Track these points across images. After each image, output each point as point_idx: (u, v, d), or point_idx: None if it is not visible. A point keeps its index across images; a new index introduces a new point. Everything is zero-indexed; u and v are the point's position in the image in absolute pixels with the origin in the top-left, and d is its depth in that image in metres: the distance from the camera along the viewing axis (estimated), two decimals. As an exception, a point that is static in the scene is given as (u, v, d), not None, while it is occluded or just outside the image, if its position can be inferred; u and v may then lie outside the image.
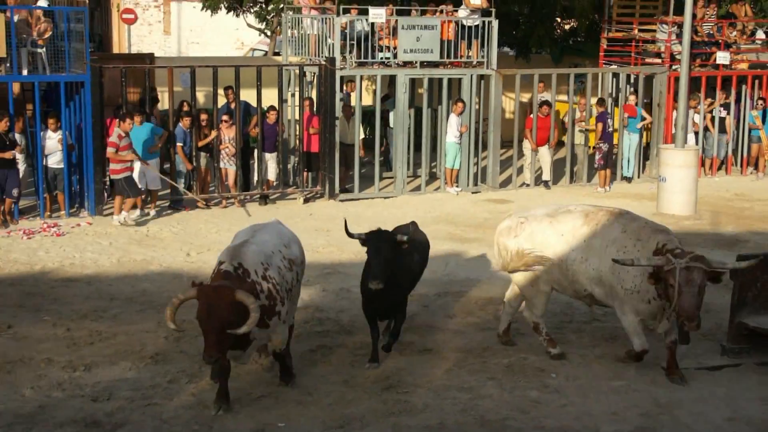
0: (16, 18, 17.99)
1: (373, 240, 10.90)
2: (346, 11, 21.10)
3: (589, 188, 22.45)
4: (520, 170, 22.92)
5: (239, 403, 10.16)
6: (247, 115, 20.44)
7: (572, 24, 31.00)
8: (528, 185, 22.41)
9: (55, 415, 9.85)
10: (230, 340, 9.18)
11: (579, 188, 22.53)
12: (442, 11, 21.99)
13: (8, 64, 17.99)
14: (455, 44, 21.43)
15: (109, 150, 17.76)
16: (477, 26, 21.50)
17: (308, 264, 15.15)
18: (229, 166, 19.76)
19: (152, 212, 18.72)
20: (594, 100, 23.13)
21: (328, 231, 17.93)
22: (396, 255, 10.85)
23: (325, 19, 21.01)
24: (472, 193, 21.68)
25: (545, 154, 22.31)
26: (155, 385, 10.50)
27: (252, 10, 30.51)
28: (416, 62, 21.26)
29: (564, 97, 24.16)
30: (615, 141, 22.44)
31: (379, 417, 9.97)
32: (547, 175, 22.36)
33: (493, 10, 21.58)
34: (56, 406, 10.08)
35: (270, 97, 20.46)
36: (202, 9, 31.02)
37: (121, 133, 17.69)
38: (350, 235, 11.21)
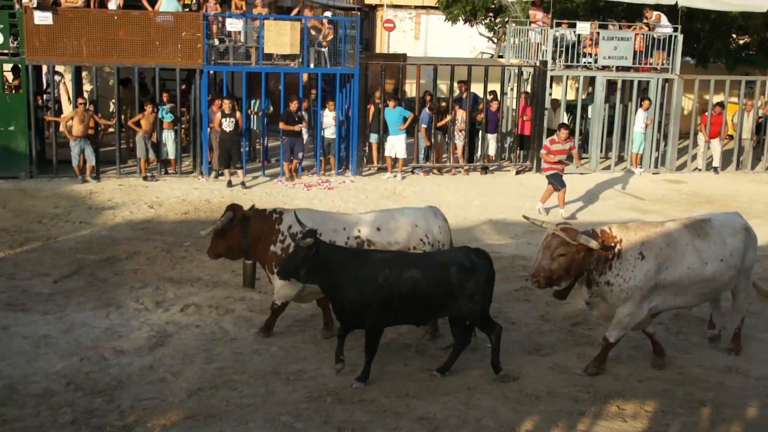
0: (308, 25, 18.56)
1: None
2: (559, 24, 20.67)
3: (753, 175, 21.19)
4: (693, 157, 21.94)
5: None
6: (474, 103, 20.36)
7: (746, 39, 29.24)
8: (700, 170, 21.37)
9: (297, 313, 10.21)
10: (232, 249, 9.50)
11: (743, 174, 21.27)
12: (637, 26, 21.19)
13: (300, 59, 18.58)
14: (646, 53, 20.65)
15: (542, 152, 16.56)
16: (664, 38, 20.65)
17: (516, 222, 15.16)
18: (458, 141, 19.79)
19: (399, 176, 18.96)
20: (760, 102, 21.85)
21: (533, 197, 17.64)
22: (307, 258, 8.30)
23: (542, 30, 20.68)
24: (653, 173, 20.85)
25: (716, 145, 21.22)
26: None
27: (483, 22, 30.36)
28: (613, 67, 20.62)
29: (735, 99, 22.86)
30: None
31: (567, 346, 9.83)
32: (717, 162, 21.24)
33: (679, 26, 20.67)
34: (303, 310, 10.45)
35: (493, 89, 20.31)
36: (445, 20, 31.06)
37: (555, 139, 16.02)
38: (300, 223, 8.97)
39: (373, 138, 19.59)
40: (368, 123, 19.41)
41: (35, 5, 16.88)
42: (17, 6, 17.11)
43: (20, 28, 17.09)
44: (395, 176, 18.97)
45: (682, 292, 9.01)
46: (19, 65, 17.46)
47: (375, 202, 16.69)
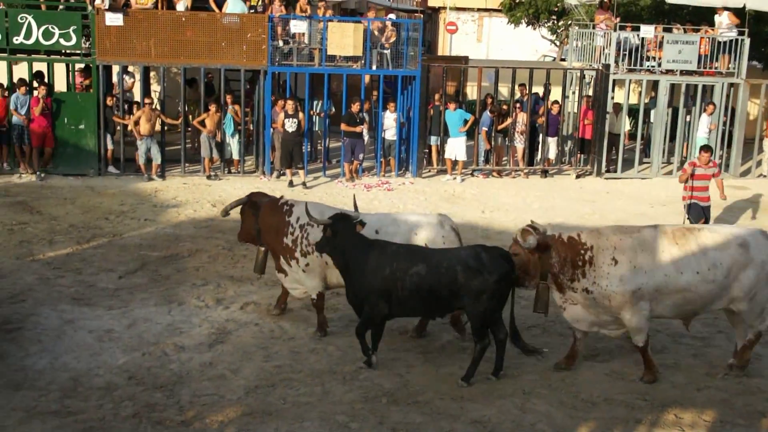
0: (371, 27, 18.59)
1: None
2: (622, 27, 20.37)
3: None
4: (758, 163, 21.36)
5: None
6: (535, 103, 20.17)
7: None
8: (765, 176, 20.84)
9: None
10: (249, 234, 10.05)
11: (810, 180, 20.72)
12: (700, 29, 20.77)
13: (362, 61, 18.62)
14: (711, 57, 20.22)
15: (681, 176, 14.56)
16: (730, 42, 20.18)
17: (575, 226, 14.91)
18: (519, 144, 19.64)
19: (459, 178, 18.89)
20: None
21: (593, 202, 17.48)
22: (330, 238, 8.81)
23: (605, 33, 20.41)
24: (716, 179, 20.43)
25: (783, 151, 20.75)
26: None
27: (546, 25, 30.08)
28: (677, 70, 20.24)
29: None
30: None
31: (624, 353, 9.65)
32: (782, 169, 20.75)
33: (746, 30, 20.19)
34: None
35: (555, 93, 20.11)
36: (508, 23, 30.90)
37: (695, 161, 14.22)
38: (356, 207, 9.38)
39: (433, 140, 19.54)
40: (428, 125, 19.37)
41: (107, 7, 17.22)
42: (89, 8, 17.47)
43: (92, 29, 17.46)
44: (455, 178, 18.90)
45: (661, 300, 8.68)
46: (90, 65, 17.84)
47: (434, 204, 16.64)
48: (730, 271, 8.65)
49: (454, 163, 19.08)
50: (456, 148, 18.91)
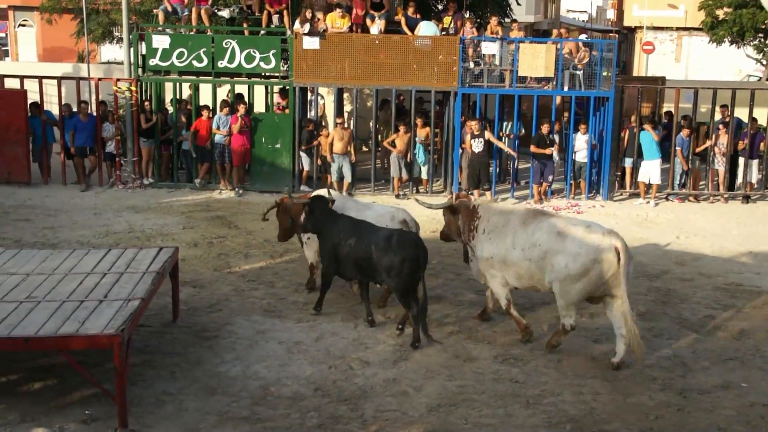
0: (564, 48, 18.38)
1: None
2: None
3: None
4: None
5: (710, 360, 9.65)
6: (738, 128, 19.21)
7: None
8: None
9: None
10: (285, 232, 11.93)
11: None
12: None
13: (554, 82, 18.41)
14: None
15: None
16: None
17: None
18: (719, 167, 18.75)
19: (652, 202, 18.26)
20: None
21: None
22: (308, 215, 10.77)
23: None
24: None
25: None
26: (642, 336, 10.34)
27: (751, 43, 28.67)
28: None
29: None
30: None
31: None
32: None
33: None
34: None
35: (759, 114, 19.06)
36: (709, 42, 29.74)
37: None
38: (329, 192, 11.42)
39: (628, 162, 18.99)
40: (623, 147, 18.87)
41: (305, 31, 17.94)
42: (288, 32, 18.27)
43: (290, 52, 18.24)
44: (648, 202, 18.29)
45: (507, 271, 9.99)
46: (287, 87, 18.64)
47: (625, 228, 16.09)
48: (545, 254, 9.62)
49: (648, 186, 18.46)
50: (650, 170, 18.30)
